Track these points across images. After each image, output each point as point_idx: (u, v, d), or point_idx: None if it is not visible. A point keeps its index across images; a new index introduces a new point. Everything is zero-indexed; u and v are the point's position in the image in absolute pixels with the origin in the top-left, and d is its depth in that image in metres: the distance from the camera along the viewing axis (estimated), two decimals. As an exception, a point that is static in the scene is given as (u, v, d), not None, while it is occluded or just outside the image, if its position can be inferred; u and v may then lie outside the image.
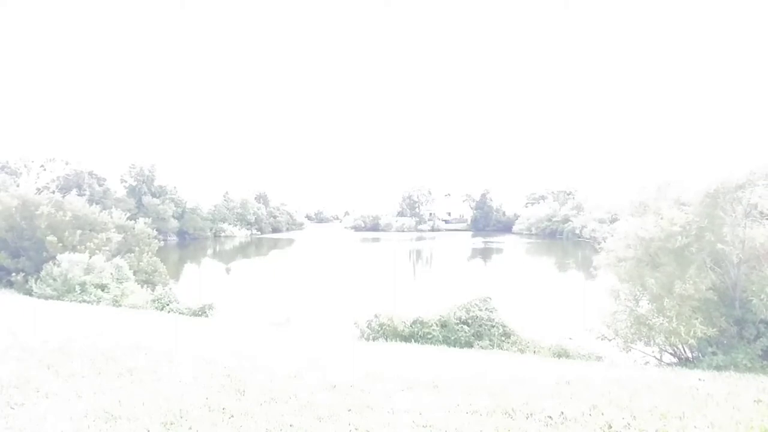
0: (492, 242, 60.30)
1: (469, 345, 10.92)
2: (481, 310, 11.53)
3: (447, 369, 7.05)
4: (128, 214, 25.20)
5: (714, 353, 8.89)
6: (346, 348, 9.76)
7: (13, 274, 18.75)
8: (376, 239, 68.70)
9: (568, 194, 77.74)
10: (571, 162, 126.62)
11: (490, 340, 10.98)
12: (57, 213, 20.09)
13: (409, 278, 31.77)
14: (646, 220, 10.21)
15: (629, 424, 4.24)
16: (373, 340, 11.50)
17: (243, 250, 52.10)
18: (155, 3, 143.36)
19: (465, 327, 11.24)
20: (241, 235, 71.60)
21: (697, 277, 8.97)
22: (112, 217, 22.64)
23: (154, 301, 15.83)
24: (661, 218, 9.79)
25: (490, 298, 12.06)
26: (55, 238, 18.93)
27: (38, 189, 31.25)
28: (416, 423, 4.11)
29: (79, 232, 19.89)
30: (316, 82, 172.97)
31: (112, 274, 17.70)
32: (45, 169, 56.35)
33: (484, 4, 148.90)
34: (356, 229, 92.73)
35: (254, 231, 76.93)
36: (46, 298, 16.01)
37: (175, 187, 64.40)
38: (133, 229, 23.28)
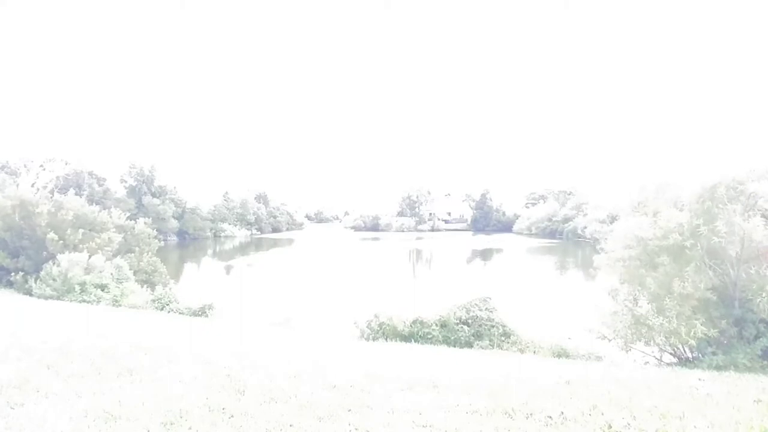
0: (492, 242, 60.30)
1: (469, 345, 10.91)
2: (480, 310, 11.53)
3: (447, 369, 7.04)
4: (128, 214, 25.20)
5: (714, 353, 8.88)
6: (345, 348, 9.76)
7: (13, 273, 18.75)
8: (376, 239, 68.69)
9: (568, 194, 77.72)
10: (571, 162, 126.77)
11: (490, 340, 10.97)
12: (57, 212, 20.12)
13: (409, 278, 31.77)
14: (644, 219, 10.22)
15: (629, 424, 4.24)
16: (373, 340, 11.49)
17: (243, 249, 52.10)
18: (155, 3, 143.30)
19: (465, 327, 11.24)
20: (240, 235, 71.60)
21: (696, 275, 8.97)
22: (111, 217, 22.63)
23: (153, 301, 15.83)
24: (659, 218, 9.79)
25: (490, 298, 12.06)
26: (57, 236, 18.96)
27: (37, 189, 31.22)
28: (416, 423, 4.11)
29: (81, 231, 19.90)
30: (316, 82, 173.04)
31: (112, 274, 17.70)
32: (44, 169, 56.41)
33: (484, 4, 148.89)
34: (356, 229, 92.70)
35: (254, 231, 76.95)
36: (46, 298, 16.01)
37: (175, 187, 64.41)
38: (133, 229, 23.29)
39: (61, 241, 18.97)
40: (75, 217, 20.64)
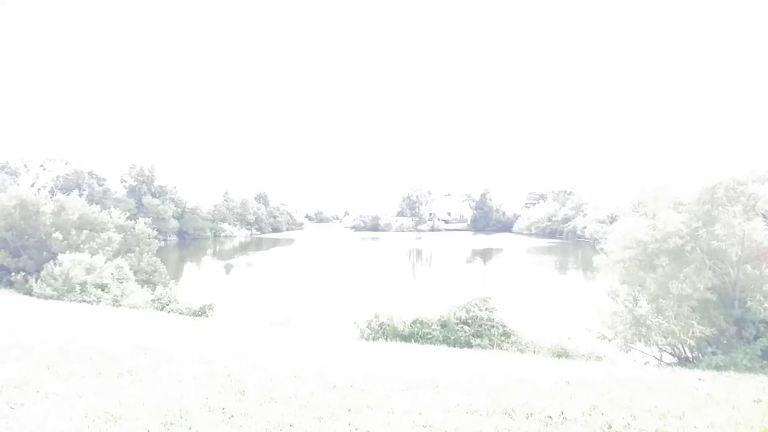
0: (492, 242, 60.31)
1: (469, 345, 10.92)
2: (480, 310, 11.53)
3: (447, 369, 7.05)
4: (128, 214, 25.21)
5: (714, 353, 8.89)
6: (346, 348, 9.76)
7: (13, 273, 18.75)
8: (376, 239, 68.69)
9: (568, 194, 77.71)
10: (571, 162, 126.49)
11: (490, 340, 10.98)
12: (61, 212, 20.22)
13: (409, 278, 31.79)
14: (643, 220, 10.22)
15: (629, 424, 4.24)
16: (373, 339, 11.50)
17: (243, 249, 52.11)
18: (155, 3, 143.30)
19: (465, 327, 11.24)
20: (240, 235, 71.62)
21: (695, 276, 8.97)
22: (111, 217, 22.64)
23: (153, 301, 15.84)
24: (658, 219, 9.79)
25: (490, 298, 12.06)
26: (60, 236, 19.02)
27: (37, 189, 31.22)
28: (416, 423, 4.11)
29: (85, 231, 19.95)
30: (316, 82, 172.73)
31: (112, 274, 17.70)
32: (44, 169, 56.29)
33: (484, 4, 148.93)
34: (356, 229, 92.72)
35: (254, 231, 76.99)
36: (46, 297, 16.01)
37: (175, 187, 64.40)
38: (133, 229, 23.32)
39: (65, 241, 19.01)
40: (78, 218, 20.72)
